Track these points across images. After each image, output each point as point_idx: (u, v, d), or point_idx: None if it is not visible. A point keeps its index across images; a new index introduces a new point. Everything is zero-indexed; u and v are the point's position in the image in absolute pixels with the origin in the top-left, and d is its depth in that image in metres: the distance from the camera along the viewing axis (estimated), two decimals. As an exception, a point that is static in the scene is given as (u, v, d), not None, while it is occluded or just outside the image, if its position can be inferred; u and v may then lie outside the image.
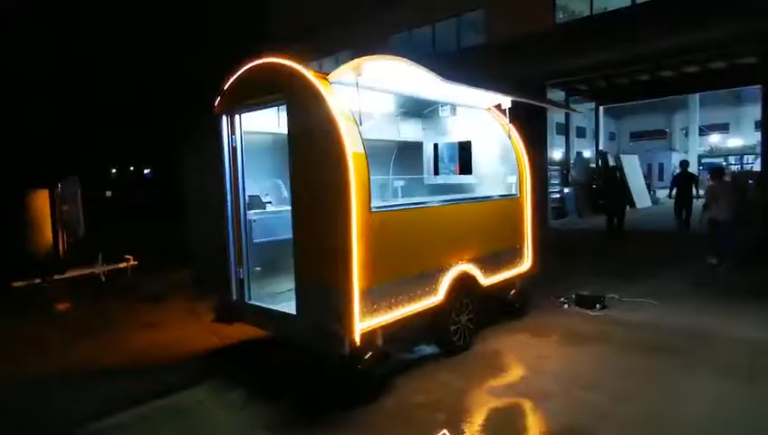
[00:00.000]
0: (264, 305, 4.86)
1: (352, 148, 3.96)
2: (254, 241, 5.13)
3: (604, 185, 11.69)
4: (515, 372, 4.83)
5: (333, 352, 4.05)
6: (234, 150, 4.98)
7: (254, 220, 5.13)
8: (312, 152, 4.17)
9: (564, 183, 19.35)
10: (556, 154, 23.27)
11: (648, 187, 23.92)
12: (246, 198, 5.37)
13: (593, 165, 21.17)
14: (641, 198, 21.19)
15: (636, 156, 23.71)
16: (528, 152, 6.41)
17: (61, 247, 8.02)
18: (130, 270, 9.28)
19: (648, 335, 5.58)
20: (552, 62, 15.19)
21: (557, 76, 15.92)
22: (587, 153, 27.35)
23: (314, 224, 4.20)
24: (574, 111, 6.38)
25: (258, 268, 5.15)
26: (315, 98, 4.07)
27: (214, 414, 4.09)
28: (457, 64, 17.00)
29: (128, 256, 9.25)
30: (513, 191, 6.24)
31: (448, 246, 5.03)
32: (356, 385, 4.17)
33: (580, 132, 32.74)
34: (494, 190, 6.32)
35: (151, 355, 5.43)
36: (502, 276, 5.86)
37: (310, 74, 4.15)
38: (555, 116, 21.61)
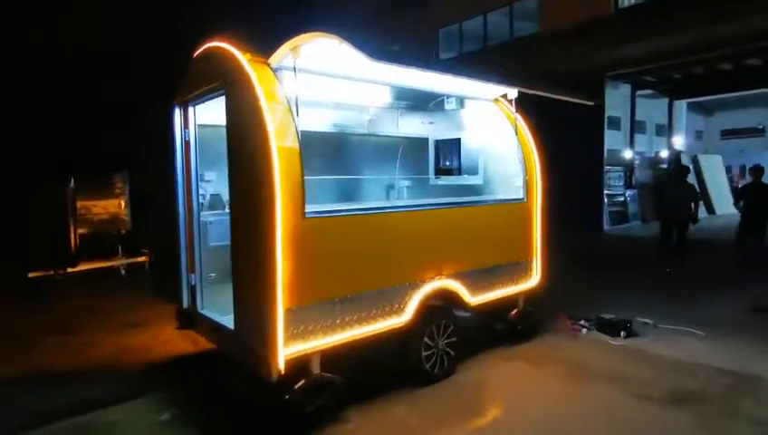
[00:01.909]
0: (210, 316, 4.40)
1: (280, 141, 3.38)
2: (210, 245, 4.69)
3: (665, 188, 10.05)
4: (489, 413, 4.03)
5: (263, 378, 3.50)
6: (187, 145, 4.57)
7: (211, 222, 4.70)
8: (242, 147, 3.64)
9: (628, 185, 17.57)
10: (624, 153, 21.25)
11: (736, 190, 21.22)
12: (207, 197, 4.98)
13: (665, 165, 19.07)
14: (722, 204, 18.81)
15: (719, 156, 21.16)
16: (544, 149, 5.51)
17: (73, 240, 8.16)
18: (147, 265, 9.32)
19: (683, 380, 4.46)
20: (612, 50, 13.70)
21: (618, 66, 14.35)
22: (664, 153, 24.82)
23: (244, 229, 3.67)
24: (589, 103, 5.43)
25: (213, 274, 4.72)
26: (245, 84, 3.53)
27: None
28: (507, 57, 15.88)
29: (144, 250, 9.30)
30: (519, 195, 5.36)
31: (420, 258, 4.30)
32: (282, 418, 3.60)
33: (649, 129, 29.89)
34: (502, 193, 5.51)
35: (112, 361, 5.18)
36: (497, 294, 5.03)
37: (243, 58, 3.61)
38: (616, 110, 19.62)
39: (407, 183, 6.52)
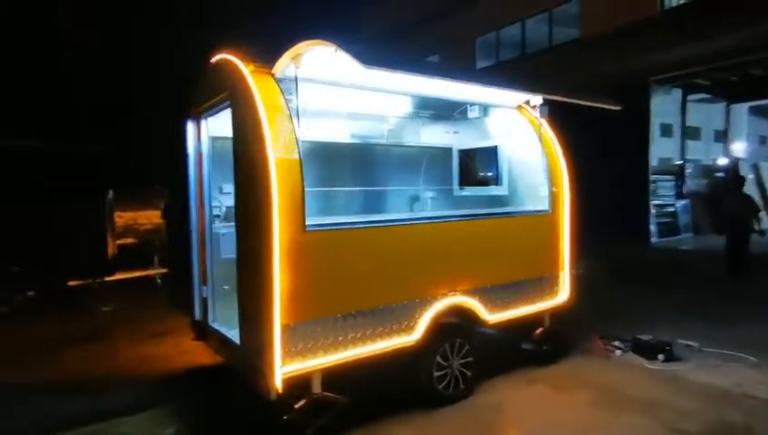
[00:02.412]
0: (219, 329, 4.36)
1: (279, 153, 3.29)
2: (223, 257, 4.66)
3: (720, 198, 9.31)
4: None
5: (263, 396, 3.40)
6: (200, 157, 4.59)
7: (223, 234, 4.67)
8: (244, 159, 3.58)
9: (679, 194, 16.55)
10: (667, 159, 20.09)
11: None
12: (223, 208, 4.97)
13: (721, 174, 17.85)
14: (786, 216, 17.36)
15: (785, 164, 19.61)
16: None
17: (110, 251, 8.44)
18: (162, 276, 9.52)
19: (727, 412, 4.00)
20: (656, 53, 12.99)
21: (664, 70, 13.58)
22: (722, 160, 23.26)
23: (245, 241, 3.61)
24: (615, 108, 5.09)
25: (227, 287, 4.68)
26: (246, 95, 3.47)
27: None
28: (545, 64, 15.42)
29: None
30: (544, 206, 5.06)
31: (431, 273, 4.09)
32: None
33: (705, 136, 28.21)
34: (529, 204, 5.23)
35: (131, 370, 5.23)
36: (520, 311, 4.73)
37: (245, 69, 3.56)
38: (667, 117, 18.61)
39: (430, 194, 6.31)
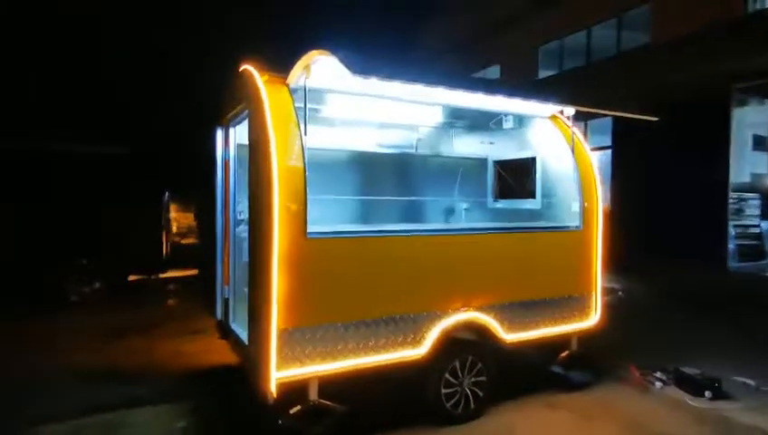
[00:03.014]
0: (236, 330, 4.50)
1: (282, 161, 3.36)
2: (244, 260, 4.80)
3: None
4: (506, 470, 3.53)
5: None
6: (226, 164, 4.79)
7: (245, 237, 4.81)
8: (253, 166, 3.69)
9: (766, 214, 14.97)
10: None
11: None
12: (246, 213, 5.14)
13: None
14: None
15: None
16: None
17: (165, 249, 9.00)
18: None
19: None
20: (739, 58, 11.89)
21: (749, 77, 12.40)
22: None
23: (253, 246, 3.71)
24: (652, 119, 4.66)
25: (246, 289, 4.81)
26: (258, 104, 3.58)
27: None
28: (612, 72, 14.62)
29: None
30: (574, 222, 4.77)
31: (442, 286, 3.98)
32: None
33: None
34: (564, 219, 4.96)
35: (164, 363, 5.52)
36: (542, 332, 4.48)
37: (259, 78, 3.68)
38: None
39: (465, 206, 6.17)
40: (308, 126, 3.37)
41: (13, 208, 8.02)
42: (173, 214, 9.05)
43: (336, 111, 4.90)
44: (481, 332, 4.20)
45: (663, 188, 12.65)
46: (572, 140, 4.85)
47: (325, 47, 3.14)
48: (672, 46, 13.34)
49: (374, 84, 3.86)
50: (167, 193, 9.11)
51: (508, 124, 5.70)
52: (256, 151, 3.60)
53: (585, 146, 4.96)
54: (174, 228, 9.29)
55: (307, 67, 3.55)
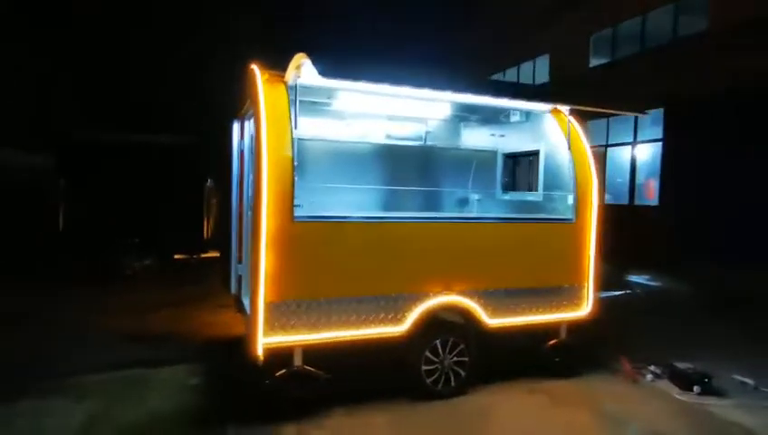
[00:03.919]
0: (245, 302, 4.99)
1: (272, 151, 3.77)
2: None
3: None
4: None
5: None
6: (242, 154, 5.28)
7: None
8: (251, 156, 4.13)
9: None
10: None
11: None
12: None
13: None
14: None
15: None
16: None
17: (206, 232, 9.80)
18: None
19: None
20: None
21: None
22: None
23: (247, 228, 4.16)
24: (641, 114, 4.63)
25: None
26: (255, 99, 4.00)
27: (158, 390, 4.44)
28: (668, 59, 13.95)
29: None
30: (567, 214, 4.88)
31: (423, 270, 4.26)
32: (264, 402, 3.95)
33: None
34: (557, 211, 5.08)
35: (191, 332, 6.17)
36: (528, 319, 4.66)
37: (259, 76, 4.09)
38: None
39: (477, 197, 6.35)
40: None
41: (81, 193, 9.07)
42: (214, 200, 9.80)
43: (349, 106, 5.28)
44: (463, 315, 4.45)
45: (720, 184, 11.89)
46: (568, 133, 4.93)
47: (310, 49, 3.50)
48: (733, 31, 12.57)
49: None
50: (209, 181, 9.88)
51: (515, 117, 5.83)
52: (253, 142, 4.04)
53: (583, 140, 5.02)
54: (215, 213, 10.03)
55: (298, 67, 3.92)
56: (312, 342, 3.92)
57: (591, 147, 5.08)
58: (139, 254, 9.39)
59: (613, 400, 4.44)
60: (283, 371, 3.91)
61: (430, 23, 24.64)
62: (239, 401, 4.29)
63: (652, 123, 14.06)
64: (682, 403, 4.41)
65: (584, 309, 4.89)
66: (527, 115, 5.65)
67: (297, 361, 3.95)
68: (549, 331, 4.85)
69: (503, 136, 6.21)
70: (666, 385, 4.78)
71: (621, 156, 15.44)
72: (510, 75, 21.77)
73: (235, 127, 5.34)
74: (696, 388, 4.58)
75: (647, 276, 11.21)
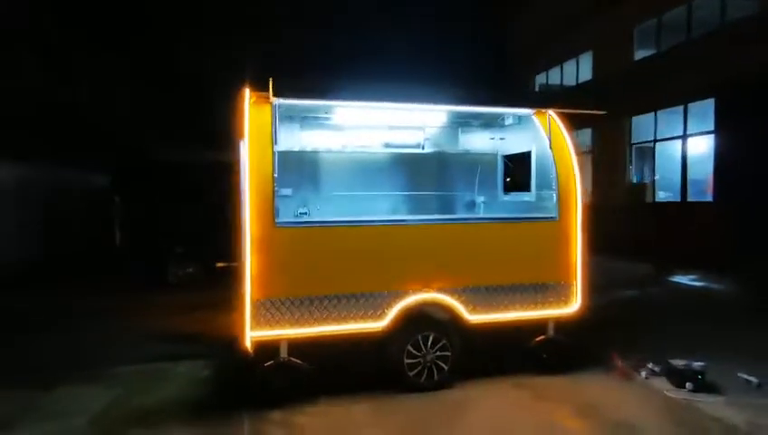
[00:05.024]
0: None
1: (252, 164, 4.21)
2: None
3: None
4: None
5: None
6: (248, 167, 5.79)
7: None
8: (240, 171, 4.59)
9: None
10: None
11: None
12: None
13: None
14: None
15: None
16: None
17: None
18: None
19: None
20: None
21: None
22: None
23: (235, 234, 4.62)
24: (598, 112, 4.62)
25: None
26: (241, 117, 4.46)
27: (174, 381, 5.00)
28: (715, 48, 13.22)
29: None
30: (550, 213, 4.96)
31: (402, 269, 4.53)
32: (252, 391, 4.36)
33: None
34: (548, 210, 5.15)
35: (214, 331, 6.76)
36: (510, 316, 4.79)
37: (247, 97, 4.53)
38: None
39: (482, 199, 6.51)
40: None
41: (132, 208, 10.11)
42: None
43: (348, 119, 5.72)
44: (443, 311, 4.66)
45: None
46: (549, 133, 5.02)
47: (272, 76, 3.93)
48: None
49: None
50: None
51: (509, 121, 5.96)
52: (243, 157, 4.51)
53: (566, 139, 5.08)
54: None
55: (273, 89, 4.36)
56: (295, 336, 4.31)
57: (575, 148, 5.14)
58: (184, 262, 10.26)
59: (597, 395, 4.47)
60: (271, 362, 4.32)
61: (472, 27, 24.70)
62: (234, 390, 4.73)
63: (704, 115, 13.35)
64: (668, 399, 4.36)
65: (572, 306, 4.93)
66: (519, 118, 5.76)
67: (283, 353, 4.34)
68: (536, 327, 4.93)
69: (502, 139, 6.35)
70: (660, 383, 4.71)
71: (671, 151, 14.73)
72: (553, 76, 21.35)
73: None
74: (688, 384, 4.50)
75: (692, 276, 10.69)
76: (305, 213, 6.08)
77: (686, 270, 11.02)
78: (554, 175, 4.95)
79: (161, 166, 10.29)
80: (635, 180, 16.06)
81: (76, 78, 12.40)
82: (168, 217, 10.07)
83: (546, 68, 21.74)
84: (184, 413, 4.30)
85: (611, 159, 16.78)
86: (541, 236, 4.93)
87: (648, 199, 15.12)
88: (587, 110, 4.92)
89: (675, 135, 14.46)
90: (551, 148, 5.01)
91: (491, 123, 6.27)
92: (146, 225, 9.98)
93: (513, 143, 6.03)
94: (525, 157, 5.71)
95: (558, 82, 20.90)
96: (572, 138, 5.19)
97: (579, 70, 19.73)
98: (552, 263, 4.92)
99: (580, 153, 5.66)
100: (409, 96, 4.81)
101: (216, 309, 7.94)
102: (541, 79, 22.29)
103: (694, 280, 10.37)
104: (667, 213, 14.17)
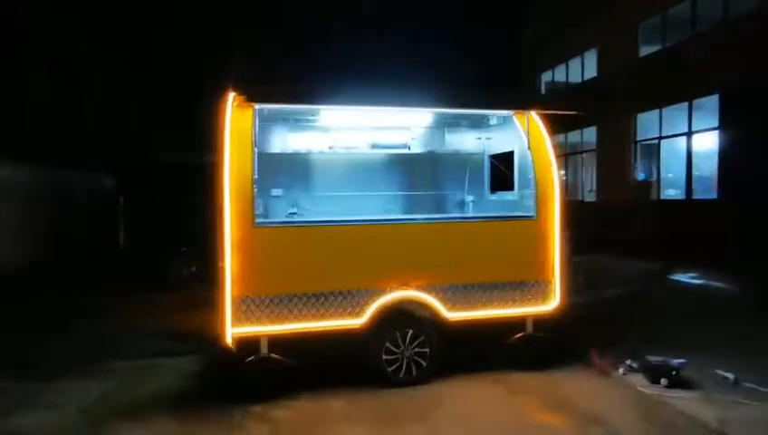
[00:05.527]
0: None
1: (233, 166, 4.37)
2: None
3: None
4: (411, 425, 4.10)
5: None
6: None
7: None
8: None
9: None
10: None
11: None
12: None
13: None
14: None
15: None
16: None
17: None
18: None
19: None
20: None
21: None
22: None
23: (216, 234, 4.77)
24: (569, 113, 4.74)
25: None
26: (222, 124, 4.60)
27: (165, 375, 5.20)
28: (719, 43, 13.09)
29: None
30: (528, 212, 5.04)
31: (380, 268, 4.66)
32: (235, 386, 4.53)
33: None
34: (530, 208, 5.23)
35: (207, 329, 6.91)
36: (489, 313, 4.88)
37: (230, 101, 4.69)
38: None
39: (471, 198, 6.60)
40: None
41: (137, 209, 10.38)
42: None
43: (333, 121, 5.87)
44: (421, 309, 4.78)
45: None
46: (527, 132, 5.10)
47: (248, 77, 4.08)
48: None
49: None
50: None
51: (494, 121, 6.05)
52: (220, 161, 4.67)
53: (545, 138, 5.15)
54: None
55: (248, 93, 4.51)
56: (276, 332, 4.46)
57: (555, 148, 5.21)
58: (187, 262, 10.50)
59: (570, 390, 4.55)
60: (252, 358, 4.48)
61: (478, 24, 24.72)
62: (221, 384, 4.90)
63: (709, 111, 13.22)
64: (641, 395, 4.42)
65: (550, 304, 5.01)
66: (504, 118, 5.84)
67: (263, 349, 4.50)
68: (515, 325, 5.02)
69: (489, 139, 6.43)
70: (637, 379, 4.77)
71: (676, 148, 14.61)
72: (559, 74, 21.27)
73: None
74: (663, 380, 4.55)
75: (692, 274, 10.63)
76: (295, 213, 6.23)
77: (687, 268, 10.96)
78: (532, 174, 5.03)
79: (164, 167, 10.55)
80: (640, 178, 15.95)
81: (79, 78, 12.68)
82: (171, 217, 10.32)
83: (552, 66, 21.66)
84: (170, 406, 4.47)
85: (616, 156, 16.68)
86: (519, 234, 5.01)
87: (653, 197, 15.01)
88: (565, 111, 4.97)
89: (680, 132, 14.33)
90: (529, 148, 5.09)
91: (478, 123, 6.36)
92: (149, 224, 10.25)
93: (498, 143, 6.11)
94: (509, 156, 5.80)
95: (564, 79, 20.83)
96: (553, 139, 5.26)
97: (584, 67, 19.63)
98: (531, 261, 5.00)
99: (562, 154, 5.70)
100: (389, 99, 4.93)
101: (213, 307, 8.15)
102: (546, 77, 22.22)
103: (693, 278, 10.31)
104: (672, 211, 14.06)
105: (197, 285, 10.05)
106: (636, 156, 16.13)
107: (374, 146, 6.34)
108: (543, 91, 22.72)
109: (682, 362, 4.69)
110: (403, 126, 6.35)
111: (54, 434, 4.01)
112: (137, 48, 14.91)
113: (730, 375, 4.68)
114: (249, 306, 4.38)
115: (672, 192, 15.19)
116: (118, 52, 14.31)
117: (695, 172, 13.79)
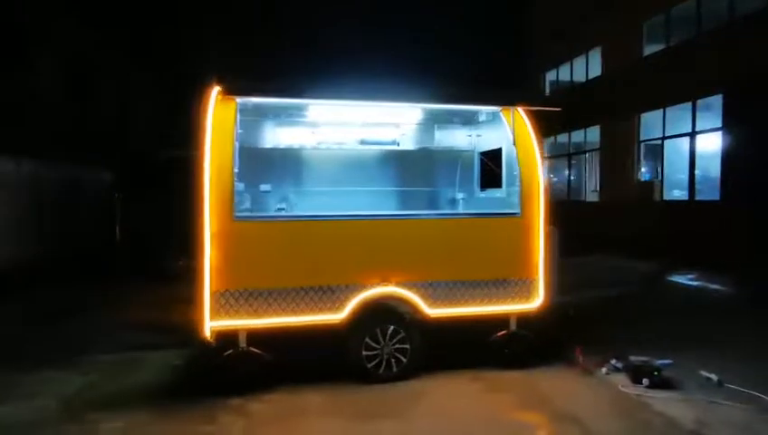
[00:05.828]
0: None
1: (213, 159, 4.37)
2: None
3: None
4: (387, 420, 4.08)
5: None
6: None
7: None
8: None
9: None
10: None
11: None
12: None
13: None
14: None
15: None
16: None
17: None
18: None
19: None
20: None
21: None
22: None
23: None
24: (553, 109, 4.65)
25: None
26: (204, 118, 4.58)
27: (146, 368, 5.22)
28: (724, 42, 12.92)
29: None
30: (512, 209, 5.00)
31: (361, 263, 4.64)
32: (214, 379, 4.53)
33: None
34: (516, 206, 5.18)
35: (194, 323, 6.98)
36: (470, 310, 4.85)
37: (212, 95, 4.67)
38: None
39: (462, 195, 6.56)
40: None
41: (133, 204, 10.44)
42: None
43: (321, 117, 5.83)
44: (402, 305, 4.75)
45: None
46: (513, 129, 5.05)
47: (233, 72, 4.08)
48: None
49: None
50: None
51: (483, 117, 6.01)
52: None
53: (530, 135, 5.10)
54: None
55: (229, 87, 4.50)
56: (254, 326, 4.46)
57: (540, 145, 5.15)
58: (182, 256, 10.55)
59: (550, 389, 4.51)
60: (230, 351, 4.48)
61: (482, 25, 24.62)
62: (200, 377, 4.91)
63: (713, 112, 13.05)
64: (620, 394, 4.37)
65: (534, 302, 4.96)
66: (493, 115, 5.79)
67: (242, 342, 4.50)
68: (498, 322, 4.98)
69: (479, 136, 6.39)
70: (619, 378, 4.71)
71: (680, 148, 14.45)
72: (563, 73, 21.11)
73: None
74: (644, 380, 4.49)
75: (690, 275, 10.51)
76: (284, 208, 6.22)
77: (687, 269, 10.84)
78: (518, 171, 4.98)
79: (161, 163, 10.60)
80: (644, 178, 15.79)
81: (78, 75, 12.74)
82: (165, 211, 10.36)
83: (556, 65, 21.51)
84: (148, 399, 4.49)
85: (619, 156, 16.52)
86: (503, 232, 4.97)
87: (656, 198, 14.86)
88: (550, 107, 4.91)
89: (683, 132, 14.16)
90: (514, 144, 5.04)
91: (468, 120, 6.33)
92: (145, 220, 10.29)
93: (487, 140, 6.07)
94: (498, 153, 5.75)
95: (568, 78, 20.67)
96: (539, 138, 5.20)
97: (588, 66, 19.47)
98: (514, 259, 4.96)
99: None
100: (372, 93, 4.90)
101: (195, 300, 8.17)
102: (551, 76, 22.07)
103: (692, 279, 10.19)
104: (675, 211, 13.91)
105: (187, 279, 10.12)
106: (639, 156, 15.97)
107: (363, 142, 6.32)
108: (548, 91, 22.58)
109: (666, 363, 4.64)
110: (392, 123, 6.32)
111: (31, 424, 4.03)
112: (136, 47, 14.98)
113: (714, 376, 4.60)
114: (228, 300, 4.38)
115: (675, 193, 15.02)
116: (117, 50, 14.40)
117: (698, 173, 13.62)
